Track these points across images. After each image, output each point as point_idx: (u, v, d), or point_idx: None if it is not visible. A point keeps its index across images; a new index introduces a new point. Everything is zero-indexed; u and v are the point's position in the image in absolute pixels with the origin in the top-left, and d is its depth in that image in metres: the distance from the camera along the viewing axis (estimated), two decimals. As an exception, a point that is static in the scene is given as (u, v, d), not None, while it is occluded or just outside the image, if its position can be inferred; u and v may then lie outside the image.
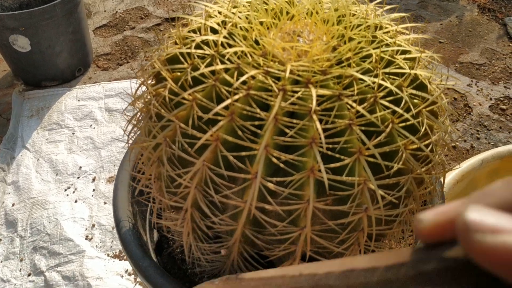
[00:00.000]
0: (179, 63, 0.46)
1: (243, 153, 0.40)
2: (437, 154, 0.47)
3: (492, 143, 1.33)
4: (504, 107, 1.45)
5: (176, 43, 0.51)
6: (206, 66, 0.43)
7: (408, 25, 0.51)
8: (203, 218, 0.46)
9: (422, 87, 0.46)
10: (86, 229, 1.08)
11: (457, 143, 1.32)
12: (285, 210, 0.41)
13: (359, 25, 0.47)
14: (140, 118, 0.51)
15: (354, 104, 0.40)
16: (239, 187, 0.41)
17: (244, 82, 0.41)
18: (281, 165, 0.39)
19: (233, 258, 0.47)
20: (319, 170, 0.39)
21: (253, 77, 0.41)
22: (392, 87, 0.41)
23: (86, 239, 1.05)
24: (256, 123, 0.40)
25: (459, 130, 1.36)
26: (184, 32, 0.49)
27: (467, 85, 1.54)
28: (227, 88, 0.41)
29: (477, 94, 1.50)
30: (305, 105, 0.40)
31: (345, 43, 0.45)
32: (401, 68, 0.44)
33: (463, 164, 0.92)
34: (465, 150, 1.30)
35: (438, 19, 1.90)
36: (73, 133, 1.32)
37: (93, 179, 1.20)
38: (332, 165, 0.39)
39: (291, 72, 0.41)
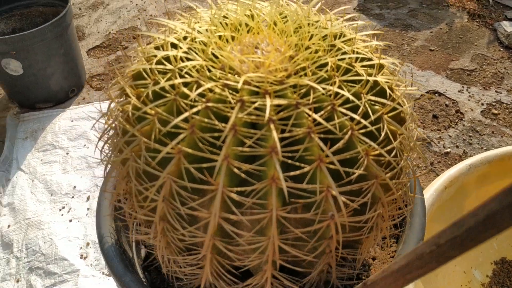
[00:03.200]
0: (143, 79, 0.47)
1: (204, 165, 0.41)
2: (402, 159, 0.47)
3: (485, 148, 1.33)
4: (496, 111, 1.45)
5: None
6: (166, 81, 0.44)
7: (368, 32, 0.51)
8: (173, 231, 0.46)
9: (382, 93, 0.46)
10: (81, 248, 1.08)
11: (449, 149, 1.31)
12: (251, 220, 0.42)
13: (316, 35, 0.48)
14: (109, 134, 0.52)
15: (310, 112, 0.41)
16: (204, 198, 0.42)
17: (203, 95, 0.42)
18: (243, 175, 0.40)
19: (207, 270, 0.48)
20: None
21: (211, 90, 0.42)
22: (348, 94, 0.41)
23: (81, 258, 1.06)
24: (216, 134, 0.41)
25: (451, 136, 1.36)
26: (148, 49, 0.50)
27: (458, 91, 1.54)
28: (186, 101, 0.42)
29: (469, 100, 1.50)
30: (263, 115, 0.40)
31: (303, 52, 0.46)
32: (358, 75, 0.45)
33: (451, 170, 0.92)
34: (457, 156, 1.30)
35: (428, 27, 1.91)
36: (67, 153, 1.33)
37: (88, 198, 1.20)
38: (292, 173, 0.40)
39: (248, 83, 0.42)
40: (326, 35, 0.48)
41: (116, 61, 1.74)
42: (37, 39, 1.30)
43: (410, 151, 0.49)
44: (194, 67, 0.44)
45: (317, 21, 0.52)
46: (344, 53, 0.47)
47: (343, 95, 0.43)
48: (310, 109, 0.41)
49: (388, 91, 0.47)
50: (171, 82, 0.43)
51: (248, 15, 0.51)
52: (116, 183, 0.54)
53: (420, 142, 1.32)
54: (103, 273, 1.03)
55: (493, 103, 1.49)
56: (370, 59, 0.49)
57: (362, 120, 0.42)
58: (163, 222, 0.46)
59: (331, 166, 0.41)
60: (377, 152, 0.43)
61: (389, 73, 0.53)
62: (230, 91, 0.42)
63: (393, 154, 0.45)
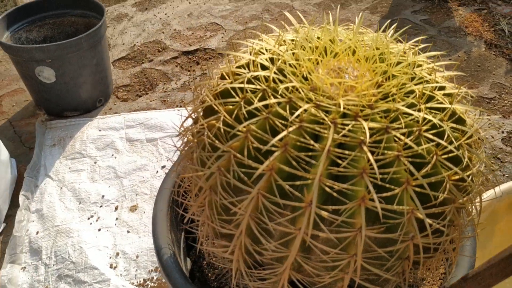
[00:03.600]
0: (229, 97, 0.49)
1: (298, 182, 0.42)
2: (476, 184, 0.49)
3: (507, 175, 1.35)
4: (516, 140, 1.48)
5: (222, 78, 0.54)
6: (259, 100, 0.46)
7: (443, 63, 0.54)
8: (253, 245, 0.48)
9: (460, 121, 0.48)
10: (111, 257, 1.09)
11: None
12: (338, 238, 0.43)
13: (399, 63, 0.50)
14: (187, 148, 0.54)
15: (402, 137, 0.43)
16: (292, 215, 0.43)
17: (297, 115, 0.44)
18: (334, 194, 0.42)
19: (282, 284, 0.49)
20: (370, 199, 0.41)
21: (305, 111, 0.44)
22: (436, 121, 0.43)
23: (110, 267, 1.07)
24: (310, 153, 0.42)
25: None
26: (233, 68, 0.52)
27: (478, 118, 1.57)
28: (280, 120, 0.44)
29: (489, 127, 1.53)
30: (356, 137, 0.42)
31: (388, 79, 0.48)
32: (441, 103, 0.47)
33: (484, 195, 0.94)
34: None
35: (447, 54, 1.94)
36: (95, 162, 1.34)
37: (116, 208, 1.21)
38: (384, 195, 0.41)
39: (339, 106, 0.44)
40: (409, 63, 0.50)
41: (141, 73, 1.76)
42: (73, 48, 1.33)
43: (481, 176, 0.51)
44: (287, 88, 0.46)
45: (396, 50, 0.54)
46: (427, 81, 0.49)
47: (428, 121, 0.45)
48: (401, 133, 0.43)
49: (467, 119, 0.49)
50: (266, 102, 0.45)
51: (331, 40, 0.54)
52: (190, 194, 0.55)
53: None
54: (132, 283, 1.04)
55: (513, 132, 1.52)
56: (446, 88, 0.51)
57: (449, 146, 0.43)
58: (244, 235, 0.47)
59: (417, 189, 0.42)
60: (458, 176, 0.45)
61: (458, 101, 0.55)
62: (324, 113, 0.44)
63: (470, 179, 0.47)
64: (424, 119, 0.45)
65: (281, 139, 0.43)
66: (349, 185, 0.42)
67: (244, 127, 0.45)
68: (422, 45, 0.56)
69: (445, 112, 0.47)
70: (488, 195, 0.94)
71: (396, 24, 0.60)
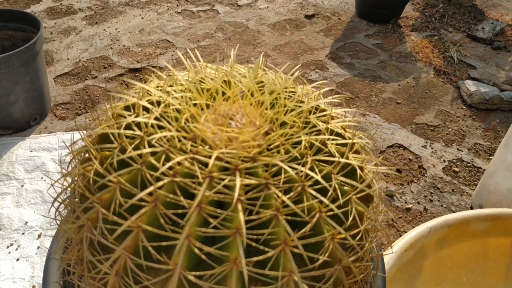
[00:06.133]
0: (109, 142, 0.45)
1: (164, 243, 0.39)
2: (367, 242, 0.46)
3: (445, 205, 1.35)
4: (456, 169, 1.49)
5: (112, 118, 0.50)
6: (134, 149, 0.42)
7: (345, 109, 0.51)
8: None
9: (352, 173, 0.46)
10: (26, 290, 1.02)
11: (410, 205, 1.33)
12: (206, 303, 0.39)
13: (293, 110, 0.48)
14: (68, 194, 0.50)
15: (280, 194, 0.40)
16: (159, 278, 0.39)
17: (171, 168, 0.40)
18: (203, 256, 0.38)
19: None
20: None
21: (179, 163, 0.40)
22: (318, 177, 0.41)
23: (24, 302, 1.00)
24: (180, 211, 0.39)
25: (413, 191, 1.38)
26: (118, 109, 0.48)
27: (422, 146, 1.58)
28: (152, 173, 0.40)
29: (431, 156, 1.54)
30: (231, 194, 0.39)
31: (280, 127, 0.46)
32: (331, 155, 0.45)
33: (412, 232, 0.92)
34: (418, 212, 1.32)
35: (396, 79, 1.96)
36: (22, 186, 1.27)
37: (39, 236, 1.15)
38: (255, 258, 0.38)
39: (219, 158, 0.41)
40: (302, 111, 0.48)
41: (83, 90, 1.70)
42: (2, 65, 1.26)
43: (376, 232, 0.48)
44: (165, 136, 0.43)
45: (294, 93, 0.51)
46: (318, 131, 0.46)
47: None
48: (280, 190, 0.40)
49: (358, 171, 0.46)
50: (138, 152, 0.41)
51: (225, 81, 0.51)
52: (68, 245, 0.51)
53: (385, 200, 1.33)
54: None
55: (454, 160, 1.53)
56: (343, 137, 0.48)
57: (330, 205, 0.41)
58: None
59: (296, 250, 0.39)
60: (343, 235, 0.42)
61: (360, 147, 0.53)
62: (200, 166, 0.40)
63: (358, 237, 0.44)
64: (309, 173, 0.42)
65: (151, 194, 0.40)
66: (218, 247, 0.38)
67: (115, 177, 0.41)
68: (325, 89, 0.53)
69: (333, 164, 0.44)
70: (415, 232, 0.93)
71: (307, 64, 0.58)
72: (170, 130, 0.43)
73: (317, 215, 0.41)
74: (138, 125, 0.45)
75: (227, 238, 0.39)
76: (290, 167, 0.42)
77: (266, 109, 0.47)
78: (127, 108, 0.49)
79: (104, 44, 2.01)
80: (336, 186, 0.43)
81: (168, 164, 0.39)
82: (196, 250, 0.38)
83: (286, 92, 0.50)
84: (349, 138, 0.48)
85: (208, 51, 2.04)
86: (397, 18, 2.49)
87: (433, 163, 1.51)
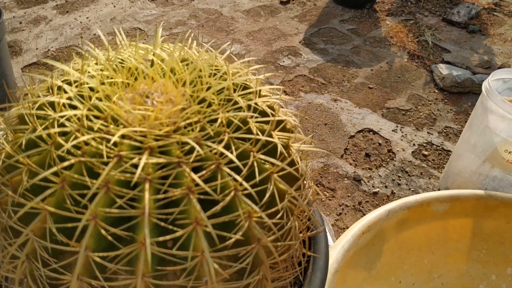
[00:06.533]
0: (26, 124, 0.44)
1: (69, 224, 0.38)
2: (290, 220, 0.46)
3: (413, 189, 1.35)
4: (426, 153, 1.49)
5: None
6: (44, 129, 0.41)
7: (271, 86, 0.50)
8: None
9: (274, 151, 0.45)
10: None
11: (378, 189, 1.33)
12: (116, 286, 0.39)
13: (214, 87, 0.47)
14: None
15: (190, 172, 0.39)
16: (65, 261, 0.38)
17: (79, 148, 0.39)
18: (109, 237, 0.37)
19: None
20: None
21: (87, 143, 0.39)
22: (230, 155, 0.40)
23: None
24: (85, 192, 0.38)
25: (381, 176, 1.38)
26: (37, 90, 0.47)
27: (392, 130, 1.58)
28: (60, 153, 0.39)
29: (401, 140, 1.54)
30: (140, 173, 0.38)
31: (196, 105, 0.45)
32: (250, 133, 0.44)
33: (369, 215, 0.92)
34: (385, 196, 1.32)
35: (369, 64, 1.96)
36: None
37: None
38: (161, 238, 0.37)
39: (129, 137, 0.40)
40: (222, 88, 0.47)
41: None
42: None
43: (301, 211, 0.48)
44: (75, 115, 0.42)
45: (219, 71, 0.50)
46: (240, 108, 0.45)
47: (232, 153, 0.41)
48: (195, 168, 0.39)
49: (279, 148, 0.45)
50: (47, 131, 0.40)
51: (148, 60, 0.49)
52: None
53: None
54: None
55: (424, 144, 1.53)
56: (267, 115, 0.47)
57: (243, 182, 0.40)
58: (27, 281, 0.42)
59: (208, 230, 0.39)
60: (259, 214, 0.42)
61: (293, 128, 0.52)
62: (110, 145, 0.39)
63: (278, 216, 0.43)
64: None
65: (57, 174, 0.39)
66: (125, 228, 0.37)
67: (24, 159, 0.40)
68: (254, 67, 0.52)
69: (251, 141, 0.43)
70: (373, 215, 0.93)
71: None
72: (81, 109, 0.41)
73: (232, 193, 0.40)
74: (52, 105, 0.44)
75: (135, 219, 0.38)
76: (205, 145, 0.41)
77: (184, 85, 0.46)
78: (47, 89, 0.48)
79: (74, 33, 1.98)
80: (255, 164, 0.43)
81: (73, 143, 0.38)
82: (103, 231, 0.37)
83: (211, 70, 0.49)
84: (273, 116, 0.47)
85: (180, 38, 2.01)
86: (373, 3, 2.48)
87: (402, 147, 1.51)
